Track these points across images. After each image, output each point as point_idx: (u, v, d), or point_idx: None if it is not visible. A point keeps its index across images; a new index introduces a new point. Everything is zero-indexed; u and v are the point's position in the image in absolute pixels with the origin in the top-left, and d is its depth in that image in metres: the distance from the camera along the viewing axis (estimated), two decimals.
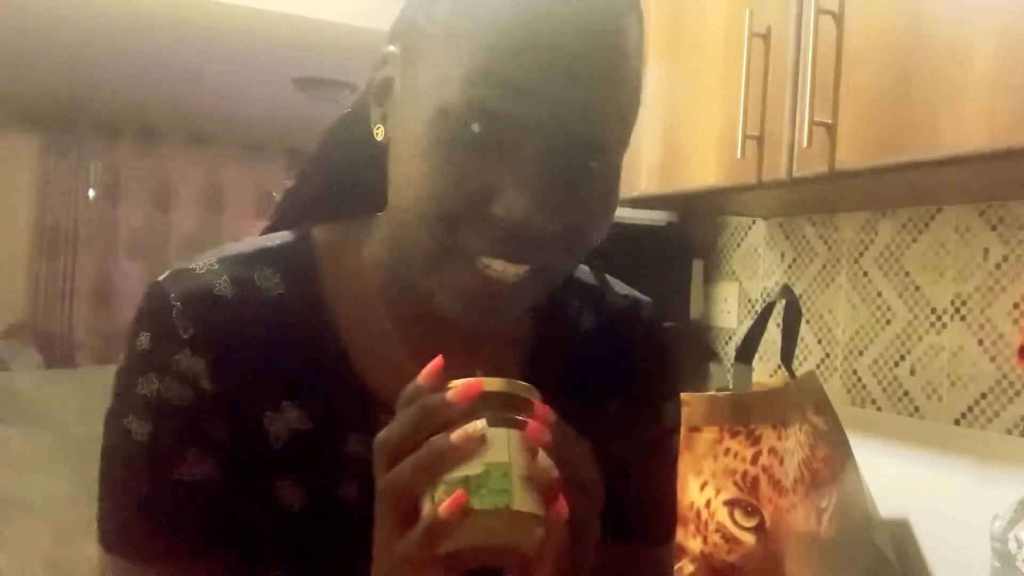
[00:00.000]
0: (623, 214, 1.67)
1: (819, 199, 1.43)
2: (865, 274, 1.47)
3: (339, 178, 0.67)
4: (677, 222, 1.80)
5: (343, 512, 0.58)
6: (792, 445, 1.10)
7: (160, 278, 0.59)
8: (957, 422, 1.29)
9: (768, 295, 1.68)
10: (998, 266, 1.25)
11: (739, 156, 1.18)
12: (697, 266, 1.82)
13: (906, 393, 1.38)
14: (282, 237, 0.63)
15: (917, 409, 1.36)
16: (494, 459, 0.46)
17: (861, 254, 1.48)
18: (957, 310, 1.31)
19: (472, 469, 0.46)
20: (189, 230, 4.83)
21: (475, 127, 0.49)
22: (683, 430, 1.01)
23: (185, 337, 0.56)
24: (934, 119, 0.94)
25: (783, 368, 1.28)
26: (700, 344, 1.80)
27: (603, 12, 0.51)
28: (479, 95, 0.49)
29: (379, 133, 0.58)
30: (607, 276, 0.75)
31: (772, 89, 1.17)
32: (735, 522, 1.03)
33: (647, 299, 0.74)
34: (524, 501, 0.46)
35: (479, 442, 0.46)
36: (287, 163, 5.07)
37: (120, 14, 2.74)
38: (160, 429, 0.55)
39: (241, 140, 4.90)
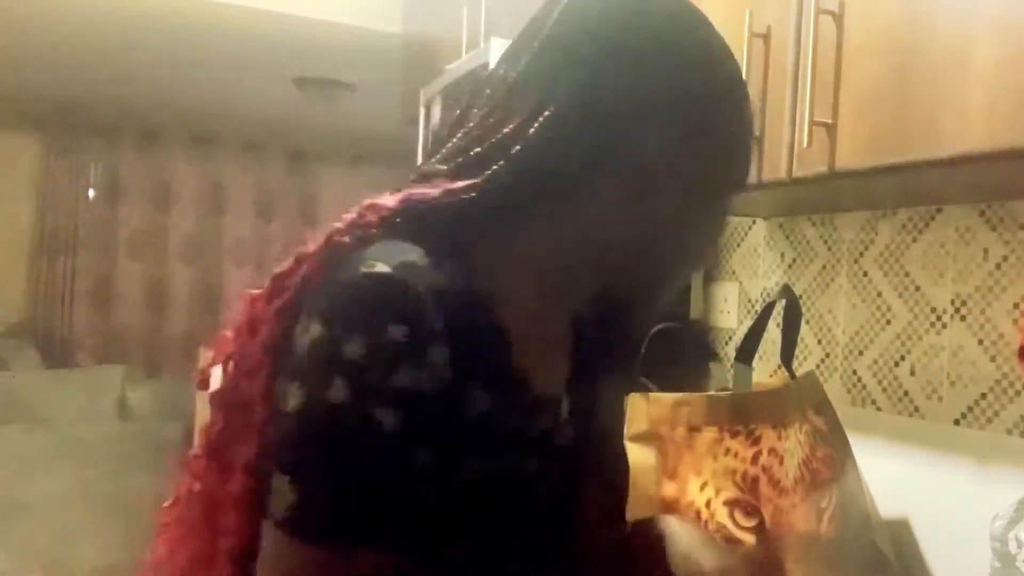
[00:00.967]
0: None
1: (819, 199, 1.43)
2: (865, 274, 1.47)
3: (516, 199, 0.69)
4: None
5: (524, 487, 0.66)
6: (792, 445, 1.10)
7: (387, 271, 0.60)
8: (957, 422, 1.29)
9: (768, 295, 1.68)
10: (998, 266, 1.25)
11: None
12: None
13: (906, 393, 1.38)
14: (462, 236, 0.68)
15: (917, 409, 1.36)
16: None
17: (861, 254, 1.48)
18: (957, 310, 1.31)
19: None
20: (189, 230, 4.83)
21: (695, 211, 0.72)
22: (683, 430, 1.01)
23: (437, 329, 0.60)
24: (934, 119, 0.94)
25: (783, 368, 1.28)
26: (700, 344, 1.80)
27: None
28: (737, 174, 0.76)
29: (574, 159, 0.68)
30: None
31: (772, 89, 1.17)
32: (735, 522, 1.03)
33: None
34: None
35: None
36: (287, 163, 5.08)
37: (120, 14, 2.74)
38: (412, 419, 0.58)
39: (241, 140, 4.90)
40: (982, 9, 0.90)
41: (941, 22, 0.95)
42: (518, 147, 0.66)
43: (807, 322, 1.57)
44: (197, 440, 0.72)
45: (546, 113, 0.66)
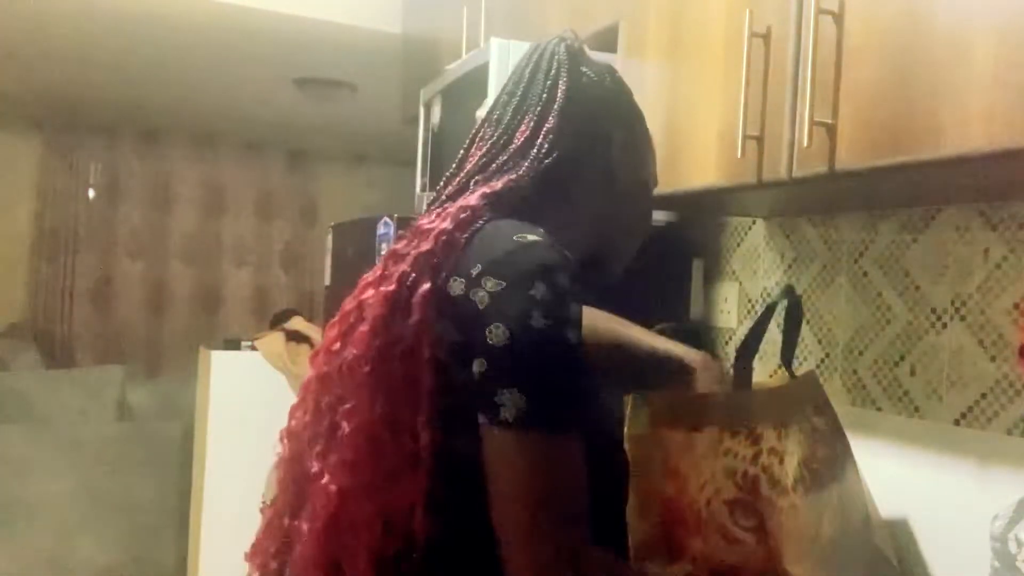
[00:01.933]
0: None
1: (819, 199, 1.43)
2: (865, 274, 1.47)
3: (544, 187, 0.96)
4: (677, 222, 1.80)
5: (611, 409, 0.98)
6: (792, 445, 1.10)
7: (538, 238, 0.86)
8: (957, 422, 1.29)
9: (768, 295, 1.68)
10: (998, 266, 1.25)
11: (739, 156, 1.19)
12: (697, 266, 1.82)
13: (906, 393, 1.38)
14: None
15: (917, 409, 1.36)
16: None
17: (861, 254, 1.48)
18: (957, 310, 1.31)
19: None
20: (189, 230, 4.83)
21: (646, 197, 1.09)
22: (683, 430, 1.01)
23: (577, 277, 0.85)
24: (934, 119, 0.94)
25: (783, 368, 1.28)
26: (700, 344, 1.80)
27: None
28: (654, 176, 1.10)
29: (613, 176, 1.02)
30: None
31: (772, 89, 1.17)
32: (735, 522, 1.03)
33: None
34: None
35: None
36: (287, 163, 5.08)
37: (121, 14, 2.74)
38: (581, 338, 0.83)
39: (241, 140, 4.90)
40: (982, 9, 0.90)
41: (941, 22, 0.95)
42: (533, 150, 0.94)
43: (807, 322, 1.57)
44: (349, 434, 0.87)
45: (546, 127, 0.95)
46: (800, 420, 1.13)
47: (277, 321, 2.97)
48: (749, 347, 1.19)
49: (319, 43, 2.92)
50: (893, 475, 1.39)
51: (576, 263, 0.86)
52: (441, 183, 1.00)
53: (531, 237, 0.85)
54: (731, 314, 1.77)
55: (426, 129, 2.02)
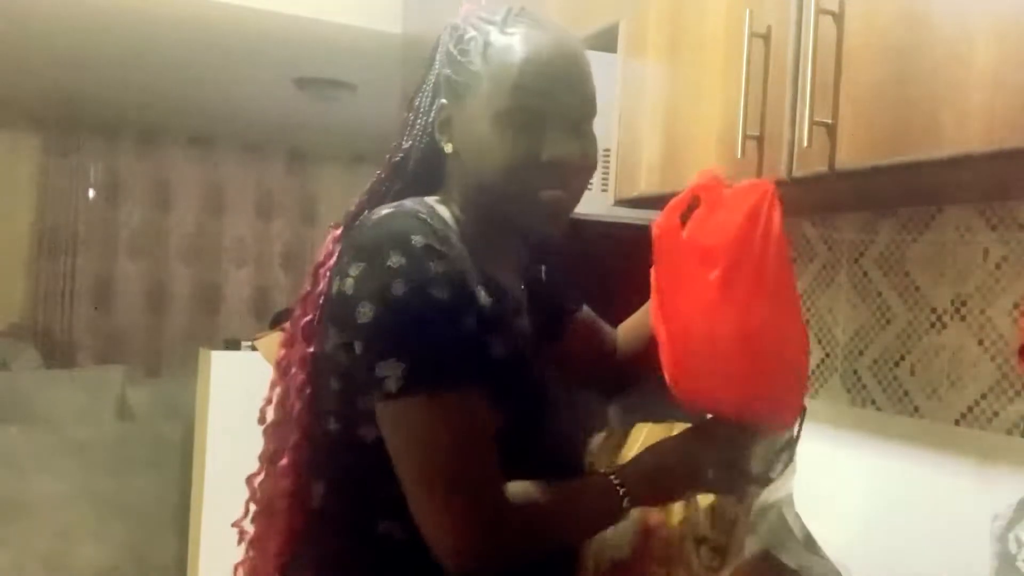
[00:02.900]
0: (623, 214, 1.66)
1: (819, 199, 1.43)
2: (865, 274, 1.47)
3: (413, 181, 0.99)
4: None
5: (524, 360, 0.95)
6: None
7: (388, 211, 0.90)
8: (957, 422, 1.29)
9: None
10: (998, 266, 1.25)
11: (739, 156, 1.18)
12: None
13: (906, 393, 1.38)
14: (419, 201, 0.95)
15: (917, 409, 1.36)
16: None
17: (861, 254, 1.48)
18: (957, 310, 1.31)
19: None
20: (189, 230, 4.83)
21: (525, 117, 0.92)
22: None
23: (440, 236, 0.88)
24: (934, 119, 0.94)
25: None
26: None
27: (571, 48, 0.97)
28: (523, 100, 0.92)
29: (448, 147, 0.97)
30: None
31: (772, 89, 1.17)
32: (700, 560, 1.02)
33: None
34: None
35: None
36: (287, 163, 5.08)
37: (120, 14, 2.74)
38: (456, 292, 0.87)
39: (241, 140, 4.90)
40: (982, 9, 0.90)
41: (941, 22, 0.95)
42: (409, 138, 0.99)
43: (807, 322, 1.57)
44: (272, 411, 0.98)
45: (419, 114, 0.99)
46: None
47: (277, 321, 2.97)
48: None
49: (319, 43, 2.92)
50: (893, 475, 1.39)
51: (455, 222, 0.92)
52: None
53: (385, 211, 0.89)
54: None
55: None
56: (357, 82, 3.46)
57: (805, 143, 1.07)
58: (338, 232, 0.95)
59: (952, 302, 1.31)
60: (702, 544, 1.02)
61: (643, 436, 1.06)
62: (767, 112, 1.17)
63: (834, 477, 1.49)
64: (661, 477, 0.95)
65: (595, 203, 1.68)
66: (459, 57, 0.96)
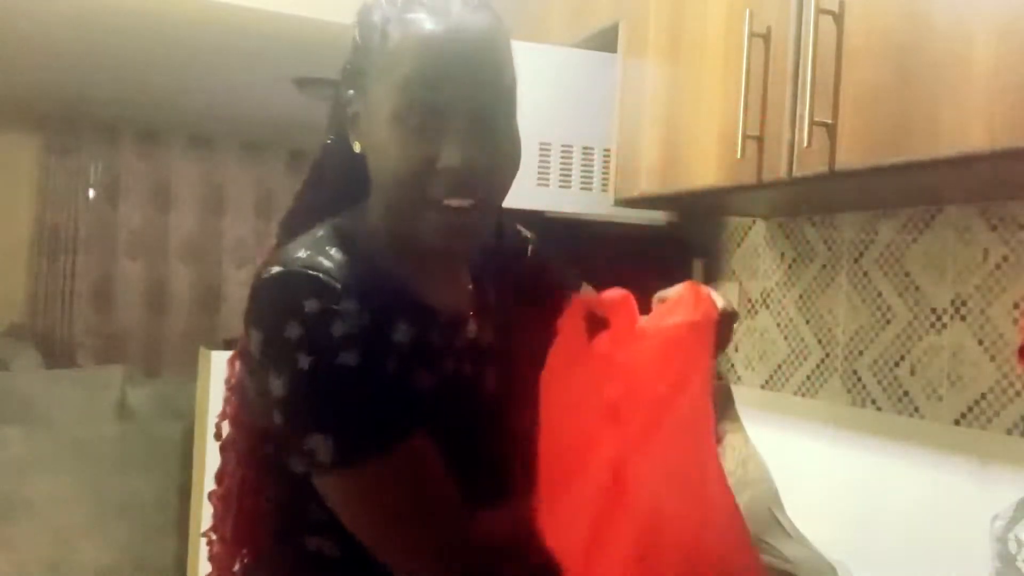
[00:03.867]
0: (623, 214, 1.67)
1: (819, 199, 1.43)
2: (865, 274, 1.47)
3: (336, 184, 0.92)
4: (677, 222, 1.80)
5: (461, 385, 0.88)
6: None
7: (278, 270, 0.79)
8: (957, 422, 1.29)
9: (768, 295, 1.68)
10: (998, 266, 1.25)
11: (739, 156, 1.18)
12: (697, 266, 1.82)
13: (906, 393, 1.38)
14: (326, 231, 0.86)
15: (917, 409, 1.36)
16: None
17: (861, 254, 1.48)
18: (957, 310, 1.31)
19: None
20: (189, 230, 4.82)
21: (417, 116, 0.80)
22: None
23: (338, 290, 0.78)
24: (934, 119, 0.94)
25: None
26: None
27: (477, 34, 0.82)
28: (415, 96, 0.80)
29: (357, 147, 0.87)
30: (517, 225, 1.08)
31: (772, 89, 1.17)
32: None
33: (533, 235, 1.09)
34: None
35: None
36: (287, 163, 5.07)
37: (120, 14, 2.73)
38: (365, 352, 0.79)
39: (241, 140, 4.90)
40: (982, 9, 0.90)
41: (941, 22, 0.95)
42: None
43: (807, 322, 1.57)
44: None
45: (327, 142, 0.93)
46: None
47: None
48: None
49: (319, 43, 2.92)
50: (893, 475, 1.39)
51: (347, 275, 0.79)
52: None
53: (274, 269, 0.79)
54: None
55: None
56: None
57: (805, 143, 1.07)
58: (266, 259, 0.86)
59: (952, 302, 1.31)
60: None
61: None
62: (767, 112, 1.17)
63: (834, 477, 1.49)
64: None
65: (595, 203, 1.69)
66: (360, 43, 0.87)
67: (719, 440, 1.26)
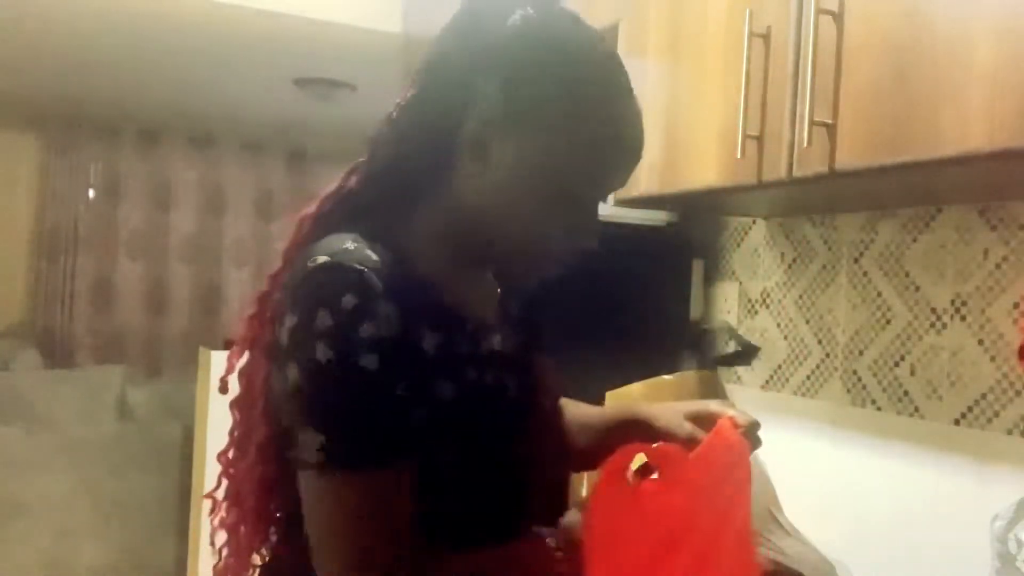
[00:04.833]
0: (623, 214, 1.67)
1: (819, 199, 1.43)
2: (865, 274, 1.47)
3: (397, 187, 0.89)
4: (677, 222, 1.80)
5: (484, 398, 0.85)
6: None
7: (325, 259, 0.77)
8: (957, 422, 1.29)
9: (768, 295, 1.68)
10: (998, 266, 1.25)
11: (739, 156, 1.19)
12: (697, 266, 1.82)
13: (906, 393, 1.38)
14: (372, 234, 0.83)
15: (917, 409, 1.36)
16: None
17: (861, 254, 1.48)
18: (957, 310, 1.31)
19: None
20: (189, 230, 4.82)
21: (583, 200, 0.84)
22: None
23: (378, 291, 0.77)
24: (934, 119, 0.94)
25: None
26: (700, 344, 1.80)
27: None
28: (596, 184, 0.85)
29: (471, 168, 0.83)
30: None
31: (772, 89, 1.17)
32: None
33: None
34: None
35: None
36: (287, 163, 5.07)
37: (120, 14, 2.74)
38: (386, 359, 0.77)
39: (241, 140, 4.90)
40: (982, 9, 0.90)
41: (941, 22, 0.95)
42: (369, 153, 0.91)
43: (807, 322, 1.57)
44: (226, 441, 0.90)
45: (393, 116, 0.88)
46: None
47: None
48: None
49: (319, 43, 2.92)
50: (893, 475, 1.39)
51: (389, 274, 0.77)
52: None
53: (321, 258, 0.78)
54: (731, 314, 1.77)
55: None
56: (357, 82, 3.46)
57: (805, 143, 1.07)
58: (289, 247, 0.86)
59: (952, 302, 1.31)
60: None
61: None
62: (767, 112, 1.17)
63: (834, 477, 1.50)
64: None
65: None
66: (532, 71, 0.81)
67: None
